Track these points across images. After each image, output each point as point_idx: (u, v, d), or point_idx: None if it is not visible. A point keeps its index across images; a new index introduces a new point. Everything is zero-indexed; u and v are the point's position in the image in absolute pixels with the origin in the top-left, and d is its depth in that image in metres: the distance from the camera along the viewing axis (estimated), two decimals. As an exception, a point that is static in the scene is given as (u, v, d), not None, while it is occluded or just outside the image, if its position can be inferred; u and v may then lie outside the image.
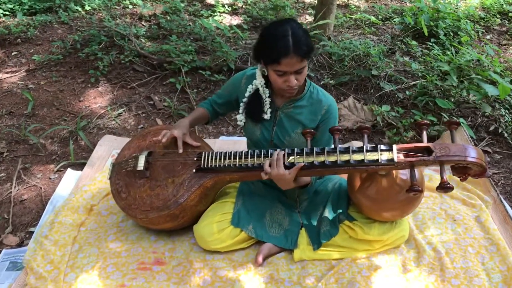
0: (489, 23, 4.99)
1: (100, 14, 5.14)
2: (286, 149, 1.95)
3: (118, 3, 5.49)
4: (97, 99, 3.54)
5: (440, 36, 4.27)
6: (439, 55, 3.80)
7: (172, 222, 2.13)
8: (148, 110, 3.43)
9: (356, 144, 2.87)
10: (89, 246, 2.21)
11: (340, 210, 2.21)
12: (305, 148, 1.94)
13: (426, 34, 4.15)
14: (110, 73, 3.84)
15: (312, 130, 2.00)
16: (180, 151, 2.15)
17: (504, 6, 5.25)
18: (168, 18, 4.88)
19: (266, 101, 2.11)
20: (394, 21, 4.95)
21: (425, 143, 1.86)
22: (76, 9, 5.20)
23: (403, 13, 5.10)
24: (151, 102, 3.52)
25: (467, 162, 1.80)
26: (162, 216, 2.08)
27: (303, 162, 1.89)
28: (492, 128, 3.11)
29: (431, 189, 2.60)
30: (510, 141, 2.99)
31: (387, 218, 2.14)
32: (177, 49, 3.93)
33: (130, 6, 5.32)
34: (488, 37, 4.72)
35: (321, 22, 3.89)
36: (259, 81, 2.10)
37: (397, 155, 1.84)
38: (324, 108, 2.12)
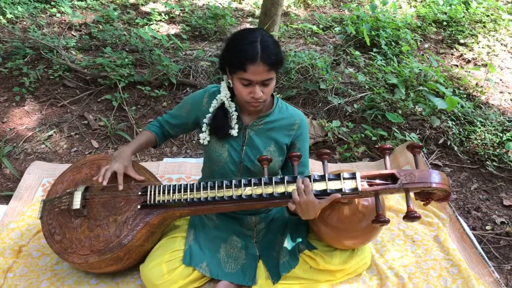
0: (426, 32, 5.08)
1: (24, 23, 4.71)
2: (243, 180, 1.78)
3: (44, 10, 5.08)
4: (23, 120, 3.19)
5: (382, 46, 4.28)
6: (383, 65, 3.78)
7: (115, 265, 1.90)
8: (82, 131, 3.12)
9: (316, 170, 2.76)
10: (18, 297, 1.93)
11: (300, 239, 2.07)
12: (263, 178, 1.78)
13: (369, 44, 4.14)
14: (38, 90, 3.48)
15: (269, 157, 1.85)
16: (121, 187, 1.92)
17: (438, 15, 5.38)
18: (101, 27, 4.55)
19: (233, 115, 1.94)
20: (334, 30, 4.92)
21: (389, 170, 1.76)
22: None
23: (344, 22, 5.09)
24: (85, 122, 3.22)
25: (433, 188, 1.72)
26: (104, 260, 1.84)
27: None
28: (441, 141, 3.11)
29: (387, 208, 2.54)
30: (459, 154, 3.00)
31: (349, 246, 2.04)
32: (112, 62, 3.63)
33: (58, 15, 4.92)
34: (426, 45, 4.80)
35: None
36: (224, 94, 1.93)
37: (361, 184, 1.72)
38: (296, 122, 1.99)
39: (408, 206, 1.70)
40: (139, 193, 1.91)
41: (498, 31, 5.12)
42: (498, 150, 2.98)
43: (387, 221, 1.70)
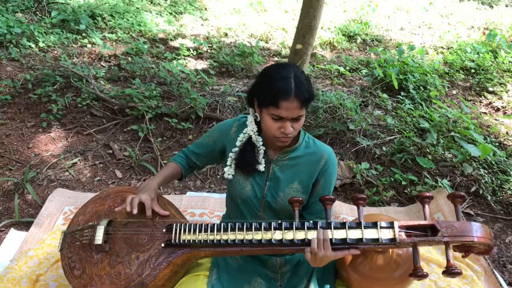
0: (453, 78, 5.03)
1: (56, 52, 4.79)
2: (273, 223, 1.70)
3: (76, 41, 5.17)
4: (48, 146, 3.18)
5: (410, 90, 4.23)
6: (412, 109, 3.72)
7: (135, 305, 1.80)
8: (107, 160, 3.09)
9: (344, 212, 2.68)
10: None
11: (328, 286, 1.96)
12: (294, 223, 1.70)
13: (397, 87, 4.09)
14: (65, 117, 3.49)
15: (301, 199, 1.77)
16: (149, 212, 1.86)
17: (466, 62, 5.33)
18: (130, 59, 4.60)
19: (260, 149, 1.88)
20: (361, 73, 4.90)
21: (429, 221, 1.66)
22: (29, 46, 4.83)
23: (370, 65, 5.08)
24: (110, 151, 3.20)
25: (475, 242, 1.61)
26: (124, 299, 1.75)
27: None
28: (473, 189, 3.00)
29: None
30: (492, 204, 2.88)
31: (379, 296, 1.92)
32: (140, 93, 3.64)
33: (89, 45, 5.00)
34: (454, 92, 4.73)
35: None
36: (251, 128, 1.88)
37: (399, 234, 1.63)
38: (323, 158, 1.90)
39: (448, 260, 1.59)
40: (164, 230, 1.83)
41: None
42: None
43: (425, 275, 1.59)
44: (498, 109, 4.44)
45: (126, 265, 1.80)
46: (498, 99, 4.60)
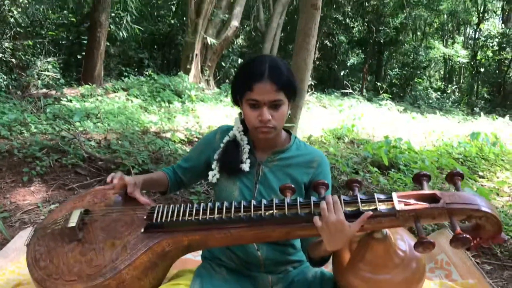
0: (442, 165, 5.09)
1: (46, 136, 4.81)
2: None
3: (68, 130, 5.24)
4: (26, 197, 3.03)
5: (400, 167, 4.24)
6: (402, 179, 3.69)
7: (104, 300, 1.57)
8: (87, 211, 2.93)
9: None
10: None
11: (326, 297, 1.75)
12: (286, 199, 1.57)
13: (387, 163, 4.12)
14: (48, 175, 3.39)
15: (292, 186, 1.65)
16: (130, 189, 1.72)
17: (453, 154, 5.45)
18: (120, 142, 4.63)
19: (244, 148, 1.78)
20: (350, 158, 4.97)
21: (429, 191, 1.56)
22: (21, 131, 4.86)
23: (359, 153, 5.16)
24: (92, 204, 3.04)
25: (481, 212, 1.48)
26: (93, 288, 1.53)
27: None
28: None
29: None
30: (499, 254, 2.71)
31: (385, 303, 1.69)
32: (127, 150, 3.59)
33: (80, 128, 5.07)
34: (444, 175, 4.75)
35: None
36: (236, 127, 1.82)
37: (398, 204, 1.51)
38: (316, 160, 1.80)
39: (455, 229, 1.45)
40: (144, 217, 1.68)
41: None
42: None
43: (432, 243, 1.43)
44: (491, 190, 4.41)
45: (99, 251, 1.60)
46: (488, 180, 4.60)
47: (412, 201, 1.53)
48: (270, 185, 1.77)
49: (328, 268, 2.03)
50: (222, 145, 1.82)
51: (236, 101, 1.76)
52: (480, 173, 4.77)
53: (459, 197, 1.50)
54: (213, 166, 1.82)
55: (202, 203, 1.65)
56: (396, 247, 1.68)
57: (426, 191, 1.55)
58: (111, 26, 10.36)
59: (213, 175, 1.81)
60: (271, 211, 1.55)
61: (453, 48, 20.12)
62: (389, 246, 1.66)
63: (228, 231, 1.59)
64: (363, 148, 5.00)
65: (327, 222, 1.44)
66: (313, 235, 1.56)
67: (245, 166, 1.77)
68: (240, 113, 1.81)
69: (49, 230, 1.72)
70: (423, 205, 1.49)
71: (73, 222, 1.65)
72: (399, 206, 1.49)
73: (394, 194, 1.54)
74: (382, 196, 1.54)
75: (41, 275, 1.60)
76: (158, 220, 1.63)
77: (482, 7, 18.33)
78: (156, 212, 1.66)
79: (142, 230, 1.63)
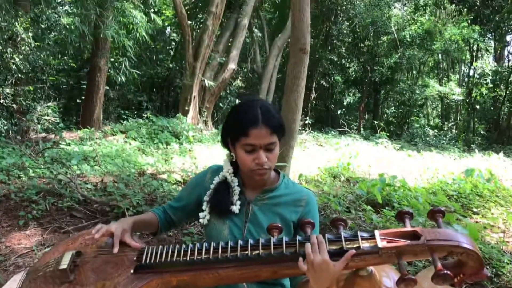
0: (437, 202, 5.11)
1: (43, 180, 4.86)
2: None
3: (66, 174, 5.30)
4: (22, 241, 3.05)
5: (394, 205, 4.27)
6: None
7: None
8: (82, 254, 2.95)
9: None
10: None
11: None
12: (272, 239, 1.61)
13: (380, 201, 4.16)
14: (43, 218, 3.42)
15: (279, 225, 1.69)
16: (115, 250, 1.74)
17: (448, 191, 5.48)
18: (117, 185, 4.68)
19: (235, 190, 1.83)
20: (344, 198, 5.00)
21: (410, 228, 1.60)
22: (19, 175, 4.93)
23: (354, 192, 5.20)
24: (87, 247, 3.06)
25: (462, 249, 1.52)
26: (83, 331, 1.55)
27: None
28: (467, 273, 2.85)
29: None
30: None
31: None
32: (122, 193, 3.64)
33: (78, 171, 5.13)
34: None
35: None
36: (226, 169, 1.87)
37: (381, 242, 1.56)
38: (303, 198, 1.86)
39: (436, 266, 1.49)
40: (134, 258, 1.72)
41: (511, 204, 5.13)
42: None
43: (413, 280, 1.47)
44: (485, 227, 4.42)
45: (89, 293, 1.63)
46: (482, 216, 4.62)
47: (394, 238, 1.57)
48: (260, 223, 1.81)
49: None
50: (212, 185, 1.88)
51: (226, 144, 1.83)
52: (475, 209, 4.80)
53: (440, 234, 1.54)
54: (203, 207, 1.87)
55: (190, 244, 1.69)
56: (382, 284, 1.71)
57: (408, 228, 1.60)
58: (110, 71, 10.60)
59: (204, 216, 1.86)
60: (257, 251, 1.59)
61: (447, 87, 20.46)
62: (374, 283, 1.69)
63: (216, 272, 1.62)
64: (358, 186, 5.05)
65: (312, 263, 1.49)
66: (300, 274, 1.59)
67: (235, 208, 1.82)
68: (228, 154, 1.87)
69: (41, 273, 1.75)
70: (404, 242, 1.54)
71: (64, 264, 1.68)
72: (381, 244, 1.53)
73: (376, 232, 1.58)
74: (365, 234, 1.59)
75: (31, 318, 1.62)
76: (147, 261, 1.66)
77: (475, 46, 18.77)
78: (145, 253, 1.69)
79: (132, 271, 1.66)
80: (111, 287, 1.64)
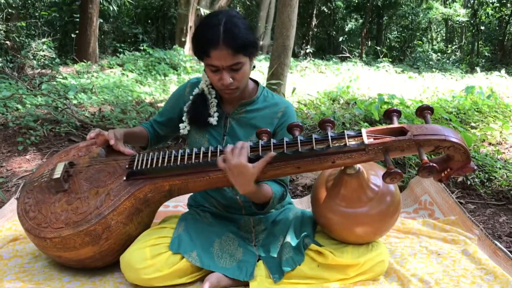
0: (436, 118, 5.11)
1: (40, 109, 4.84)
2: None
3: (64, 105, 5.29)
4: (22, 165, 3.10)
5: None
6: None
7: (92, 246, 1.65)
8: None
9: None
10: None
11: (305, 233, 1.82)
12: (260, 141, 1.63)
13: (378, 118, 4.15)
14: (42, 144, 3.45)
15: (268, 130, 1.70)
16: (112, 142, 1.76)
17: (447, 108, 5.46)
18: (115, 114, 4.67)
19: (212, 102, 1.83)
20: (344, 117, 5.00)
21: (398, 125, 1.61)
22: (16, 107, 4.91)
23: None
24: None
25: (448, 142, 1.52)
26: (80, 234, 1.61)
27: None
28: (459, 179, 2.90)
29: (404, 231, 2.27)
30: (483, 193, 2.77)
31: (360, 236, 1.78)
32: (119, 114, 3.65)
33: (75, 101, 5.10)
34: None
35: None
36: (204, 81, 1.86)
37: (367, 139, 1.56)
38: (280, 110, 1.85)
39: (422, 159, 1.50)
40: (127, 166, 1.75)
41: (509, 118, 5.12)
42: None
43: (399, 173, 1.49)
44: (483, 140, 4.44)
45: (84, 200, 1.68)
46: (480, 130, 4.62)
47: (381, 135, 1.58)
48: (237, 137, 1.82)
49: (309, 208, 2.11)
50: (191, 97, 1.87)
51: (195, 54, 1.78)
52: (473, 124, 4.80)
53: (427, 129, 1.55)
54: (183, 118, 1.88)
55: (180, 150, 1.71)
56: (370, 182, 1.75)
57: (395, 125, 1.61)
58: (102, 1, 10.28)
59: (184, 127, 1.88)
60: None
61: (451, 8, 19.80)
62: (362, 180, 1.73)
63: (207, 175, 1.66)
64: (356, 106, 5.03)
65: (229, 164, 1.54)
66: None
67: (213, 120, 1.83)
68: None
69: (37, 183, 1.79)
70: (391, 138, 1.55)
71: (58, 173, 1.72)
72: (368, 141, 1.55)
73: (363, 130, 1.59)
74: (351, 133, 1.60)
75: (31, 224, 1.68)
76: (139, 167, 1.69)
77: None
78: (136, 160, 1.73)
79: (124, 178, 1.70)
80: (104, 193, 1.68)
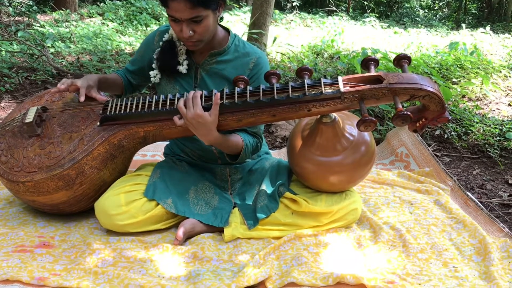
0: (418, 71, 5.11)
1: (15, 56, 4.69)
2: (210, 91, 1.61)
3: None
4: (-4, 113, 3.04)
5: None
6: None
7: (66, 190, 1.64)
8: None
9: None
10: None
11: (280, 181, 1.83)
12: (236, 88, 1.61)
13: (360, 72, 4.13)
14: (18, 92, 3.36)
15: (246, 77, 1.67)
16: (82, 98, 1.72)
17: (430, 63, 5.46)
18: (93, 62, 4.55)
19: (180, 49, 1.78)
20: (326, 71, 4.97)
21: (374, 73, 1.60)
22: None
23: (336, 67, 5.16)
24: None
25: (424, 91, 1.53)
26: (53, 178, 1.60)
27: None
28: (437, 132, 2.94)
29: (379, 181, 2.31)
30: (459, 147, 2.81)
31: (334, 184, 1.80)
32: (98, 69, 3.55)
33: (52, 50, 4.94)
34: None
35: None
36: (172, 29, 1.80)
37: (344, 87, 1.55)
38: (252, 61, 1.79)
39: (397, 107, 1.50)
40: (100, 111, 1.72)
41: (491, 75, 5.15)
42: (499, 138, 2.80)
43: (373, 121, 1.49)
44: (463, 96, 4.47)
45: (57, 145, 1.66)
46: (461, 87, 4.65)
47: (357, 83, 1.58)
48: (208, 88, 1.77)
49: (285, 158, 2.13)
50: (161, 44, 1.82)
51: None
52: (454, 80, 4.81)
53: (403, 78, 1.55)
54: (153, 66, 1.84)
55: (154, 96, 1.68)
56: (345, 131, 1.75)
57: (372, 73, 1.60)
58: None
59: (155, 75, 1.84)
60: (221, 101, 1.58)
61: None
62: (337, 129, 1.73)
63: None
64: (339, 60, 4.99)
65: (186, 119, 1.54)
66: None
67: (182, 68, 1.79)
68: None
69: (9, 128, 1.76)
70: (366, 86, 1.54)
71: (30, 118, 1.69)
72: (344, 89, 1.54)
73: (339, 78, 1.58)
74: (328, 81, 1.59)
75: (3, 169, 1.66)
76: (113, 112, 1.67)
77: None
78: (110, 105, 1.69)
79: (98, 123, 1.68)
80: (78, 138, 1.66)
